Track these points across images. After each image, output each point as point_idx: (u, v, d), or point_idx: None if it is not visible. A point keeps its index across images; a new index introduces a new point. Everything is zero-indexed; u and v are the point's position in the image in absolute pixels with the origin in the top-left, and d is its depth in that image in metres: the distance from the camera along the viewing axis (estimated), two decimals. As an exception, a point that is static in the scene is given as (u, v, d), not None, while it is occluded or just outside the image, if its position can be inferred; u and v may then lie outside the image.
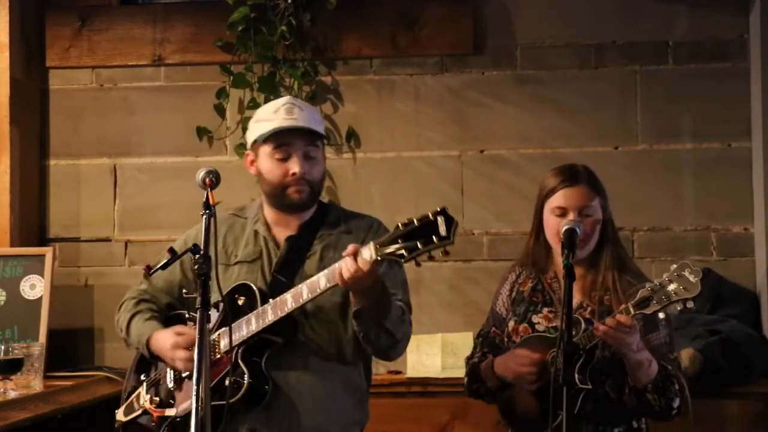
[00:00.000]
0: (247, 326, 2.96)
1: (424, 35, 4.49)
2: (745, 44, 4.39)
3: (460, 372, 4.12)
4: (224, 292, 2.94)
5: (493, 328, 3.24)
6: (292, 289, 2.94)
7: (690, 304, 2.86)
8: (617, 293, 3.04)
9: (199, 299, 2.57)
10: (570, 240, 2.88)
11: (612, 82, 4.45)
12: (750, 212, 4.36)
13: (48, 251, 4.36)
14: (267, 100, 4.42)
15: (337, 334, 3.05)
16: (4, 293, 4.32)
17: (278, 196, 3.08)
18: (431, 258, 2.78)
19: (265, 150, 3.06)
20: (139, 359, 3.24)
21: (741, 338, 4.01)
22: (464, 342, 4.18)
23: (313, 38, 4.50)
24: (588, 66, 4.46)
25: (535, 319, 3.11)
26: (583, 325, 2.97)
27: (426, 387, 4.17)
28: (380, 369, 4.31)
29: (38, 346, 3.86)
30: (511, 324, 3.16)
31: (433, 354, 4.18)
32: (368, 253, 2.79)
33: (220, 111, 4.49)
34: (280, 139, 3.04)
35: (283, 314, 2.93)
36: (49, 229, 4.64)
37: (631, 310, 2.88)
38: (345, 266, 2.81)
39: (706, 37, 4.41)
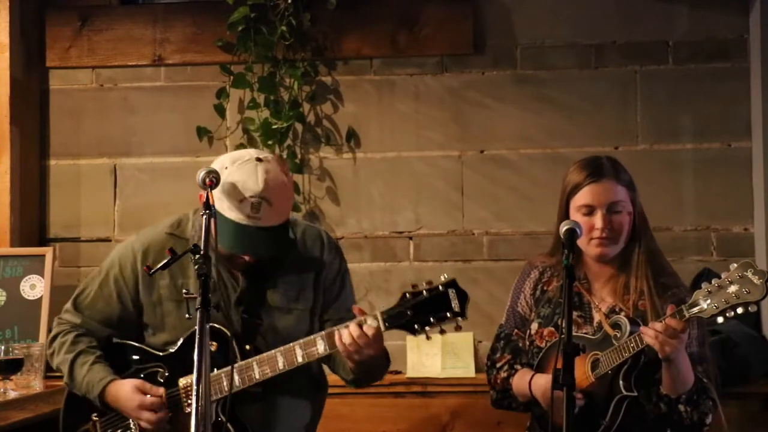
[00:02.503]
0: (227, 379, 2.84)
1: (424, 35, 4.48)
2: (745, 44, 4.39)
3: (460, 372, 4.15)
4: (185, 334, 2.92)
5: (516, 330, 3.09)
6: (283, 349, 2.86)
7: (753, 308, 2.62)
8: (652, 298, 2.88)
9: (199, 299, 2.54)
10: (570, 240, 2.71)
11: (612, 82, 4.44)
12: (750, 212, 4.36)
13: (48, 251, 4.35)
14: (267, 101, 4.43)
15: (308, 366, 2.96)
16: (4, 293, 4.31)
17: (227, 258, 2.97)
18: (442, 332, 2.77)
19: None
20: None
21: (741, 338, 4.01)
22: (464, 342, 4.18)
23: (313, 38, 4.49)
24: (588, 66, 4.46)
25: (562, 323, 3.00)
26: (628, 328, 2.79)
27: (426, 387, 4.17)
28: (380, 369, 4.31)
29: (38, 346, 3.86)
30: (535, 326, 3.03)
31: (433, 354, 4.18)
32: (375, 323, 2.75)
33: (220, 111, 4.48)
34: None
35: (274, 374, 2.86)
36: (49, 229, 4.63)
37: (686, 313, 2.66)
38: (348, 335, 2.75)
39: (706, 37, 4.41)
